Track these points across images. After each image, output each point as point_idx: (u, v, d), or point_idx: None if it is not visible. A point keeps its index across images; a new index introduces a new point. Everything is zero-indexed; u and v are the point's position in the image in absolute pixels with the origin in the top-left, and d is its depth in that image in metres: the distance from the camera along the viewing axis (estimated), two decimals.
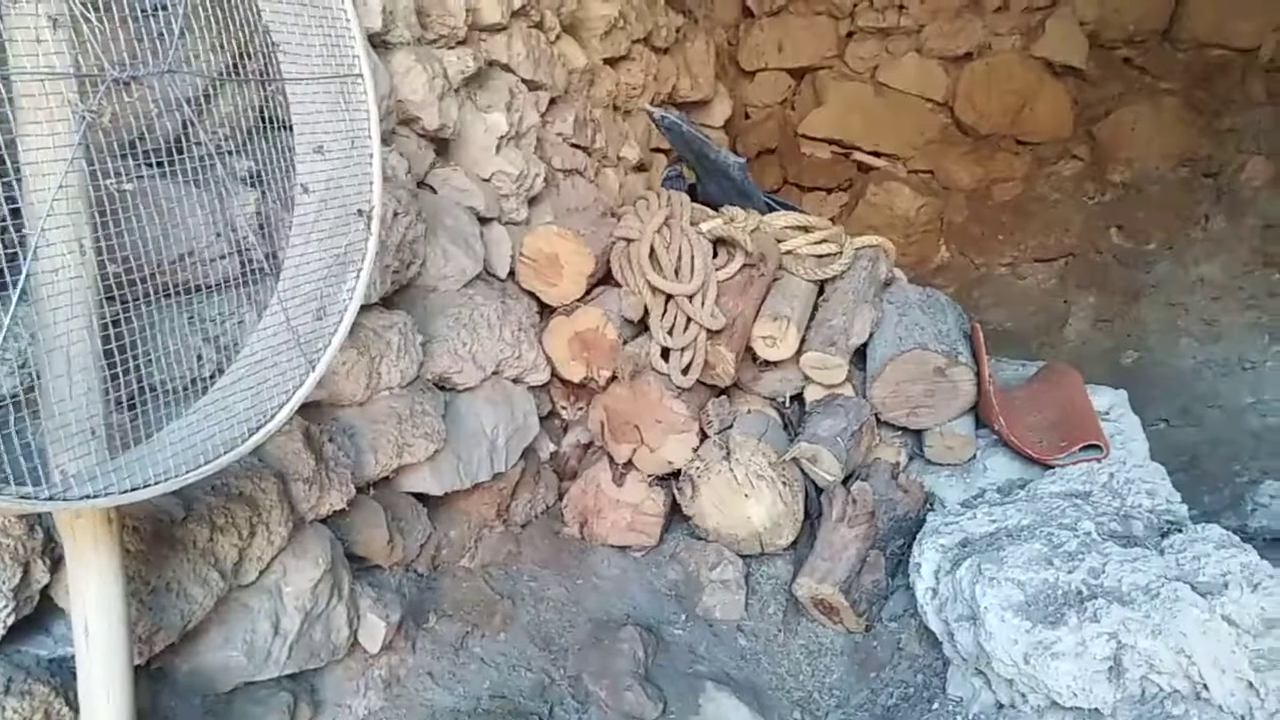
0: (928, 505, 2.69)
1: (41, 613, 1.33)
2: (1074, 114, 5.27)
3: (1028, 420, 2.74)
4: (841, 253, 2.85)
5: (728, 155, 3.09)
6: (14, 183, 1.15)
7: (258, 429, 1.16)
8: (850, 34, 5.37)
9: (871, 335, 2.85)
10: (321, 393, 1.86)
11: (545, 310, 2.70)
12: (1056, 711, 1.90)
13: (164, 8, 1.22)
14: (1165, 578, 1.89)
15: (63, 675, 1.31)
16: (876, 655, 2.43)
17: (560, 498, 2.82)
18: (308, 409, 1.83)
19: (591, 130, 3.31)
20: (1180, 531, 2.11)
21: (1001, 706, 2.09)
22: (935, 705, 2.20)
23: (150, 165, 1.42)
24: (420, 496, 2.26)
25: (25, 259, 1.11)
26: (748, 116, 5.51)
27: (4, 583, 1.21)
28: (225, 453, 1.11)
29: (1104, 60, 5.30)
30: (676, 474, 2.68)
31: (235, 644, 1.61)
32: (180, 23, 1.18)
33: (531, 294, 2.67)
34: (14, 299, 1.00)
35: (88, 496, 0.96)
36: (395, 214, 2.05)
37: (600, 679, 2.22)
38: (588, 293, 2.67)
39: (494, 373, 2.45)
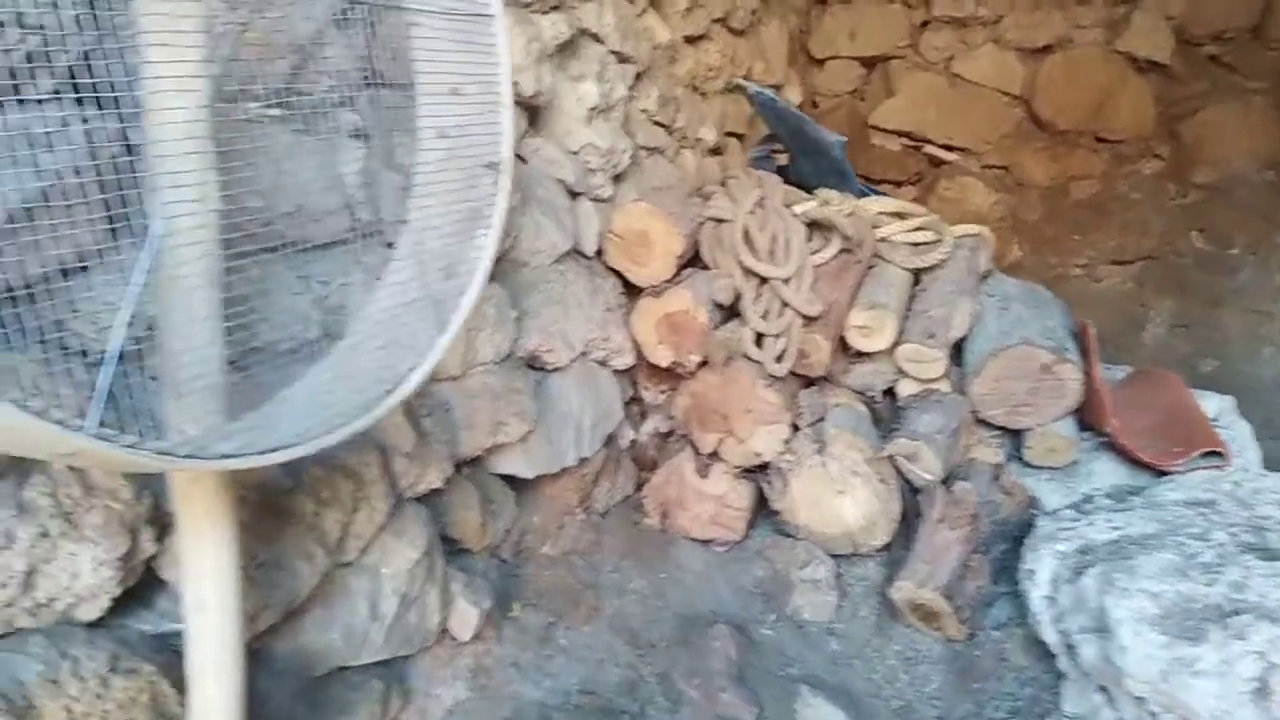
0: (1031, 509, 2.54)
1: (143, 586, 1.24)
2: (1157, 112, 5.06)
3: (1132, 424, 2.59)
4: (941, 241, 2.71)
5: (827, 134, 2.96)
6: (133, 114, 1.05)
7: (392, 390, 1.05)
8: (925, 23, 5.20)
9: (970, 329, 2.71)
10: None
11: (630, 291, 2.59)
12: None
13: None
14: None
15: (165, 653, 1.22)
16: (979, 665, 2.29)
17: (639, 487, 2.71)
18: None
19: (674, 109, 3.19)
20: None
21: None
22: None
23: (265, 109, 1.32)
24: (508, 479, 2.16)
25: (147, 197, 1.02)
26: (816, 105, 5.36)
27: (113, 551, 1.11)
28: (362, 415, 1.01)
29: (1190, 57, 5.09)
30: (764, 467, 2.56)
31: (334, 626, 1.51)
32: None
33: (617, 273, 2.56)
34: (150, 245, 0.90)
35: (226, 456, 0.86)
36: None
37: (692, 678, 2.11)
38: (676, 274, 2.55)
39: (582, 354, 2.34)
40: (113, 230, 1.07)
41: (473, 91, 1.21)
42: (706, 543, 2.60)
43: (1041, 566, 2.15)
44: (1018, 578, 2.24)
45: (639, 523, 2.64)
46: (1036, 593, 2.14)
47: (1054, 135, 5.12)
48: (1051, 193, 5.10)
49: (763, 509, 2.64)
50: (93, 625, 1.15)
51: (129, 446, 0.78)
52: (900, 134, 5.25)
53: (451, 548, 1.93)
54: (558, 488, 2.34)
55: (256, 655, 1.45)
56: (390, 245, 1.53)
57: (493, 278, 2.05)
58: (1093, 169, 5.11)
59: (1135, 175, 5.09)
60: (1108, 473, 2.59)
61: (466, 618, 1.84)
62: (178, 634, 1.22)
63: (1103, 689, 1.98)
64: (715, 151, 3.78)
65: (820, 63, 5.35)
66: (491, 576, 2.10)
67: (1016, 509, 2.52)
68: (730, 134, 4.06)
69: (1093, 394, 2.52)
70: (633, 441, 2.76)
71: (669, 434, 2.79)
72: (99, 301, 1.11)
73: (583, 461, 2.35)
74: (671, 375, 2.61)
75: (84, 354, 1.12)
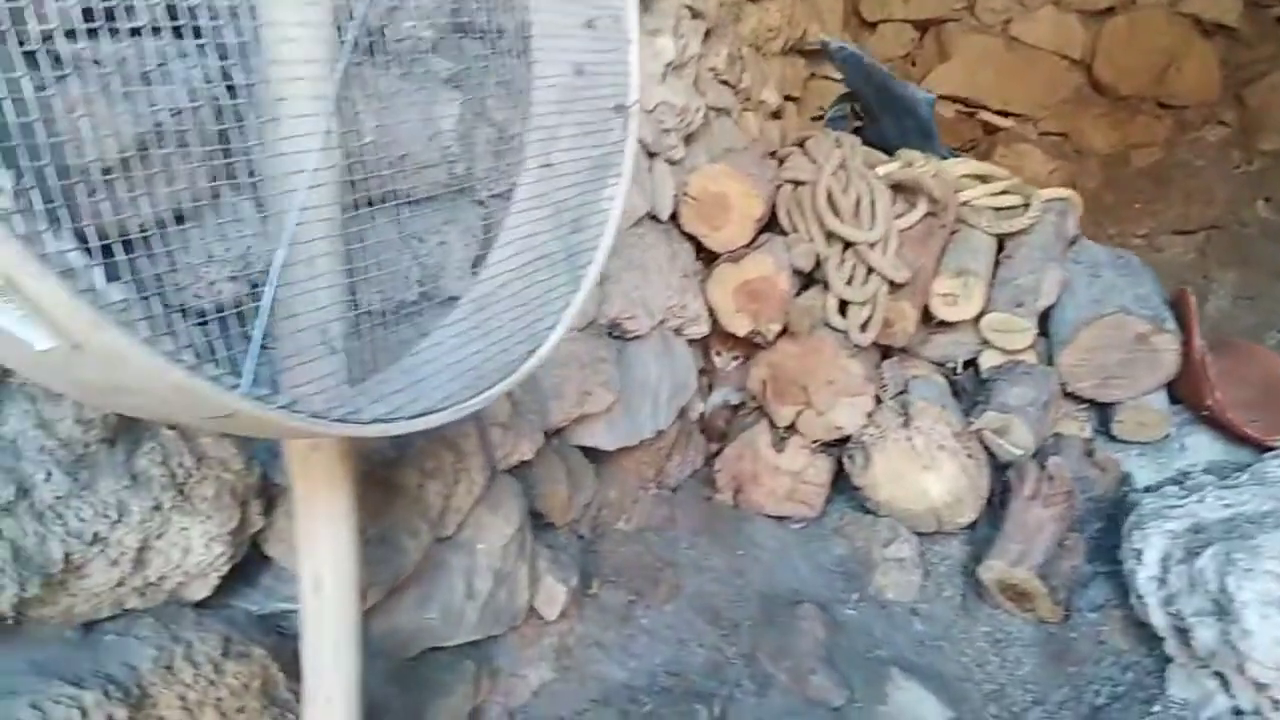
0: (1123, 486, 2.44)
1: (248, 562, 1.15)
2: (1222, 76, 4.87)
3: (1231, 398, 2.47)
4: (1029, 205, 2.59)
5: (915, 90, 2.82)
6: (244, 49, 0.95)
7: (534, 350, 0.95)
8: None
9: (1058, 297, 2.58)
10: None
11: (705, 257, 2.48)
12: None
13: None
14: None
15: (273, 635, 1.14)
16: (1075, 648, 2.19)
17: (708, 461, 2.62)
18: None
19: (739, 68, 3.06)
20: None
21: (1241, 714, 1.85)
22: (1156, 708, 1.97)
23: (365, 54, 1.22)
24: (587, 452, 2.07)
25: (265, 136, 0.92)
26: None
27: (224, 525, 1.02)
28: (506, 377, 0.91)
29: (1258, 20, 4.89)
30: (843, 441, 2.46)
31: (432, 605, 1.43)
32: None
33: (692, 239, 2.45)
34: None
35: (379, 420, 0.76)
36: None
37: (780, 660, 2.03)
38: (754, 239, 2.44)
39: (660, 321, 2.24)
40: (223, 178, 0.98)
41: (605, 25, 1.10)
42: (781, 519, 2.51)
43: (1149, 546, 2.04)
44: (1119, 557, 2.14)
45: (710, 498, 2.55)
46: (1144, 573, 2.03)
47: (1115, 100, 4.95)
48: (1111, 160, 4.93)
49: (837, 484, 2.54)
50: (200, 605, 1.06)
51: (284, 408, 0.68)
52: (955, 99, 5.07)
53: (537, 522, 1.84)
54: (633, 461, 2.25)
55: None
56: (482, 203, 1.43)
57: None
58: (1155, 136, 4.94)
59: (1199, 142, 4.91)
60: (1202, 448, 2.48)
61: (554, 595, 1.76)
62: (285, 614, 1.14)
63: (1218, 675, 1.88)
64: (776, 115, 3.65)
65: (872, 26, 5.17)
66: (572, 552, 2.02)
67: (1109, 486, 2.42)
68: (789, 98, 3.92)
69: (1191, 366, 2.40)
70: (701, 414, 2.66)
71: (739, 406, 2.69)
72: (207, 254, 1.02)
73: (659, 434, 2.25)
74: (745, 344, 2.51)
75: (183, 311, 1.03)
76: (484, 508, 1.51)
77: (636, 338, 2.14)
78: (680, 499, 2.49)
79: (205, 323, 0.81)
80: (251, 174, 0.94)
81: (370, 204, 1.22)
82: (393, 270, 1.24)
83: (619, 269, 2.06)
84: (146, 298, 0.73)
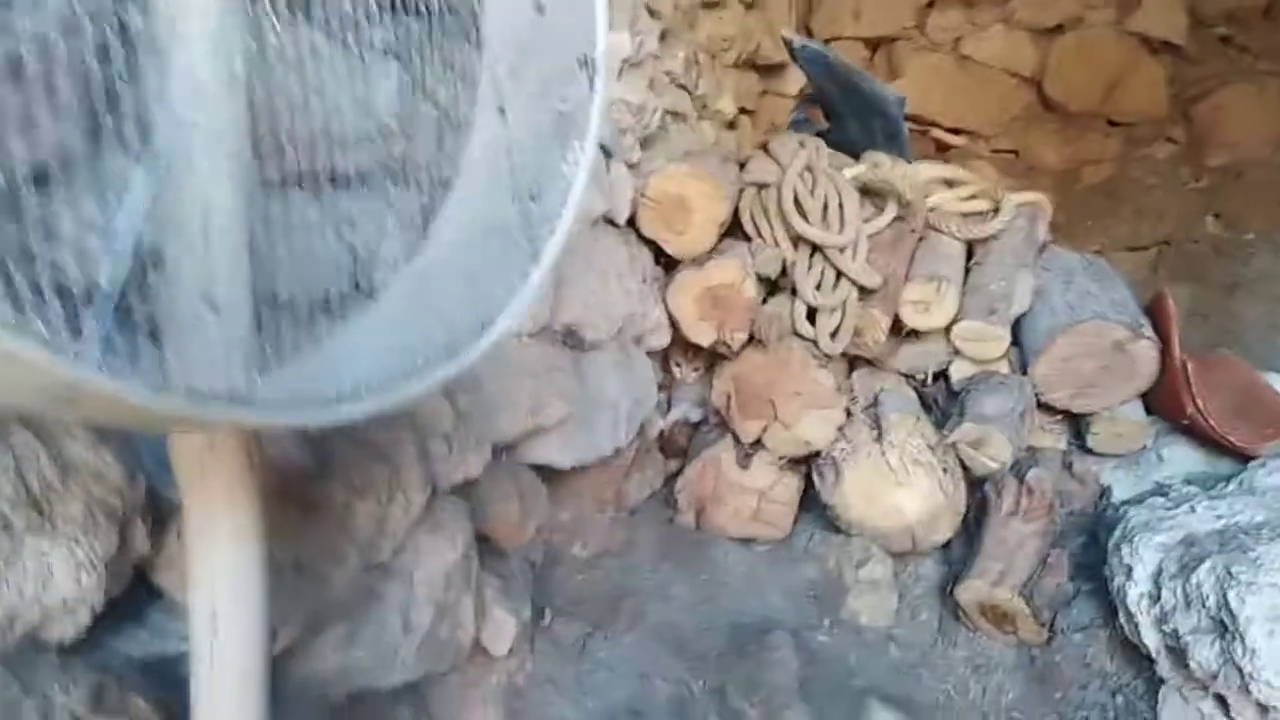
0: (1102, 500, 2.33)
1: (132, 595, 0.96)
2: (1170, 94, 4.91)
3: (1211, 406, 2.38)
4: (999, 210, 2.49)
5: (884, 88, 2.73)
6: None
7: (483, 331, 0.79)
8: (932, 3, 4.99)
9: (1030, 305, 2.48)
10: None
11: (666, 263, 2.33)
12: None
13: None
14: None
15: (162, 683, 0.94)
16: (1060, 672, 2.06)
17: (667, 481, 2.46)
18: None
19: (695, 74, 2.94)
20: None
21: None
22: None
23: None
24: (540, 471, 1.89)
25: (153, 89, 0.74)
26: None
27: (96, 550, 0.83)
28: (448, 360, 0.74)
29: (1203, 38, 4.95)
30: (810, 457, 2.32)
31: (361, 642, 1.24)
32: None
33: (653, 243, 2.30)
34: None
35: (282, 407, 0.59)
36: None
37: (750, 694, 1.86)
38: (717, 244, 2.30)
39: (619, 330, 2.08)
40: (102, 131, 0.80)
41: None
42: (747, 541, 2.35)
43: (1140, 561, 1.93)
44: (1105, 573, 2.02)
45: (672, 520, 2.39)
46: (1134, 590, 1.91)
47: (1065, 118, 4.95)
48: (1063, 177, 4.92)
49: (806, 503, 2.40)
50: (67, 650, 0.86)
51: (144, 383, 0.51)
52: (906, 118, 5.02)
53: (484, 547, 1.66)
54: (590, 481, 2.08)
55: None
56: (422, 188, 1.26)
57: None
58: (1105, 153, 4.94)
59: (1149, 159, 4.93)
60: (1181, 458, 2.38)
61: (503, 629, 1.58)
62: (177, 658, 0.94)
63: (1218, 697, 1.76)
64: (731, 126, 3.54)
65: (824, 43, 5.12)
66: (524, 581, 1.84)
67: (1088, 499, 2.32)
68: (743, 110, 3.82)
69: (1171, 374, 2.31)
70: (660, 430, 2.50)
71: (700, 422, 2.54)
72: (79, 222, 0.83)
73: (618, 451, 2.09)
74: (707, 355, 2.36)
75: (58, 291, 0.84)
76: (423, 530, 1.33)
77: (594, 347, 1.98)
78: (639, 521, 2.32)
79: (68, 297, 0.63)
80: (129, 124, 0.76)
81: (285, 180, 1.05)
82: (311, 253, 1.07)
83: (576, 272, 1.90)
84: None
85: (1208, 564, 1.75)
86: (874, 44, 5.15)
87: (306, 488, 1.07)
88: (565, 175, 0.95)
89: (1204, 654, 1.72)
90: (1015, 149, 5.00)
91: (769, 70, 4.14)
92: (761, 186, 2.34)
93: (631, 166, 2.35)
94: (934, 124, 5.04)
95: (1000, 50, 4.93)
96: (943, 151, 5.07)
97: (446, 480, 1.40)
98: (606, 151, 2.16)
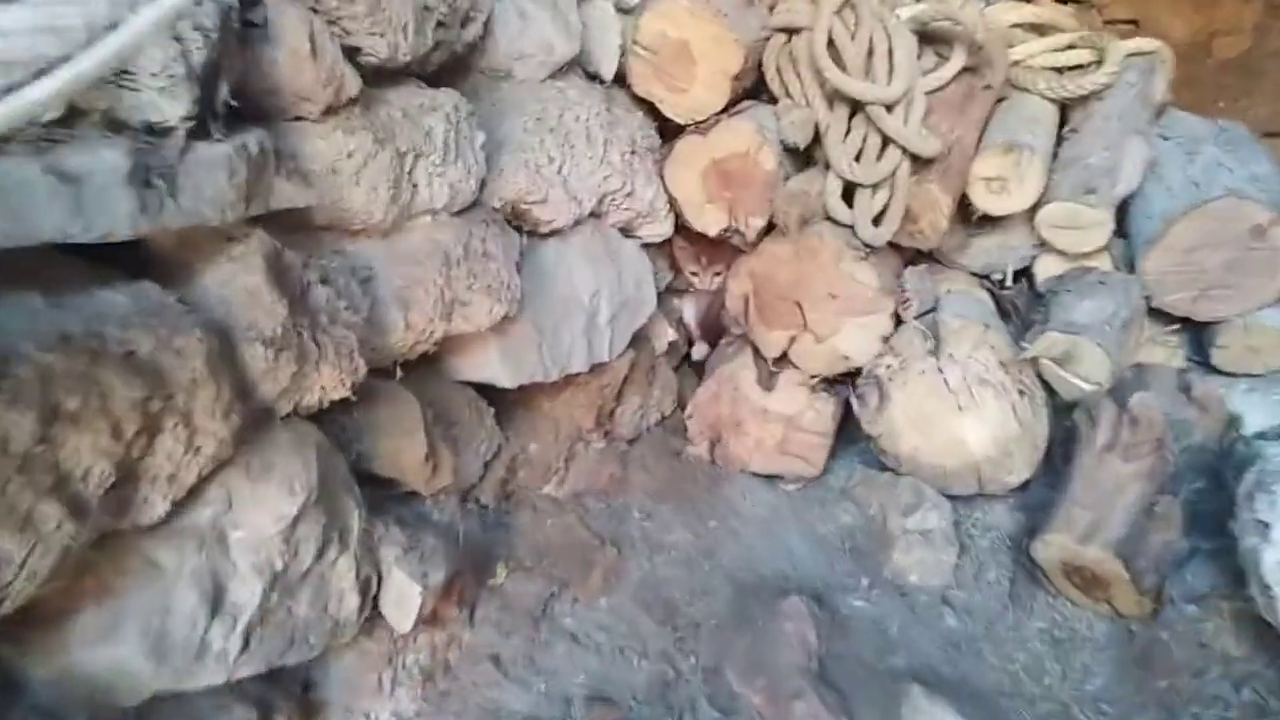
0: (1231, 432, 1.81)
1: None
2: None
3: None
4: (1102, 62, 1.93)
5: None
6: None
7: None
8: None
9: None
10: (310, 196, 1.07)
11: (668, 131, 1.86)
12: None
13: None
14: None
15: None
16: (1167, 654, 1.61)
17: (682, 405, 2.03)
18: (286, 231, 1.05)
19: None
20: None
21: None
22: None
23: None
24: (485, 391, 1.49)
25: None
26: None
27: None
28: None
29: None
30: (852, 375, 1.86)
31: (126, 633, 0.87)
32: None
33: (649, 105, 1.83)
34: None
35: None
36: None
37: (753, 677, 1.47)
38: (731, 105, 1.82)
39: (593, 214, 1.64)
40: None
41: None
42: (771, 479, 1.95)
43: (1278, 515, 1.44)
44: (1233, 528, 1.54)
45: (680, 452, 1.99)
46: (1272, 553, 1.44)
47: None
48: (1191, 51, 4.24)
49: (847, 432, 1.95)
50: None
51: None
52: None
53: (385, 491, 1.27)
54: (562, 404, 1.68)
55: None
56: None
57: (444, 81, 1.35)
58: (1242, 21, 4.28)
59: None
60: None
61: (406, 598, 1.20)
62: None
63: None
64: None
65: None
66: (462, 530, 1.45)
67: (1212, 432, 1.80)
68: None
69: None
70: (673, 344, 2.07)
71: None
72: None
73: (598, 368, 1.67)
74: (730, 252, 1.90)
75: None
76: (239, 473, 0.94)
77: (554, 231, 1.54)
78: (638, 454, 1.92)
79: None
80: None
81: None
82: None
83: (524, 133, 1.46)
84: None
85: None
86: None
87: None
88: None
89: None
90: (1134, 18, 4.32)
91: None
92: (792, 32, 1.83)
93: (626, 12, 1.86)
94: None
95: None
96: None
97: (285, 404, 1.01)
98: None
